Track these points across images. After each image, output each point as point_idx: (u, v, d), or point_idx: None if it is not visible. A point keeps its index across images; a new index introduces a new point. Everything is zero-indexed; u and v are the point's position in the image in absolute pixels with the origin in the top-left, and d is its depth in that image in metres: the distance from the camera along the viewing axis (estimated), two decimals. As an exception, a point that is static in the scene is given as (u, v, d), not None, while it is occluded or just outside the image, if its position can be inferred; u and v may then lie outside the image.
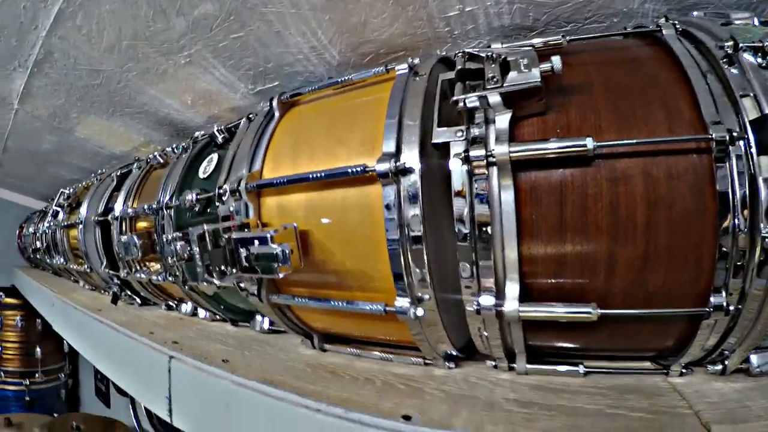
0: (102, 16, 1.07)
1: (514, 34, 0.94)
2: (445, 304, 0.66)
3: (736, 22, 0.75)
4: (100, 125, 1.35)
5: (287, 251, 0.66)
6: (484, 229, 0.58)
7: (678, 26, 0.70)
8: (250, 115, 0.93)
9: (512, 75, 0.59)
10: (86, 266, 1.32)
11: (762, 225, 0.52)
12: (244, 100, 1.18)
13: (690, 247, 0.57)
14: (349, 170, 0.64)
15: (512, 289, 0.60)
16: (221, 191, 0.82)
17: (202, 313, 1.10)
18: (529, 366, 0.70)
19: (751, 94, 0.56)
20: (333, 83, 0.82)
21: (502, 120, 0.59)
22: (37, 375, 2.44)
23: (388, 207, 0.62)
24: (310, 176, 0.68)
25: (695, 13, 0.80)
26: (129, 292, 1.25)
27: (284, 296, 0.78)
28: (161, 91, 1.21)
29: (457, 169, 0.59)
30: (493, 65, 0.61)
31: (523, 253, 0.59)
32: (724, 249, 0.55)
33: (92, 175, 1.45)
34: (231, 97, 1.18)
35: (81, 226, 1.25)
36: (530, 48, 0.63)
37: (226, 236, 0.74)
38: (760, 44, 0.59)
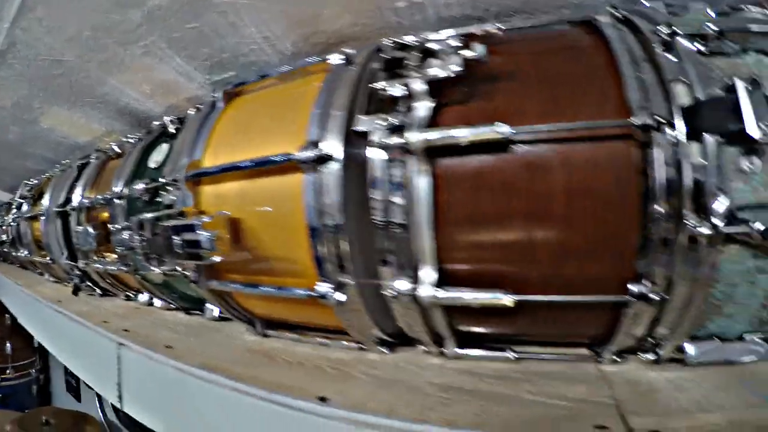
0: (62, 8, 1.10)
1: (463, 25, 0.96)
2: (371, 290, 0.69)
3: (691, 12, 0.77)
4: (63, 115, 1.39)
5: (213, 238, 0.69)
6: (400, 215, 0.61)
7: (619, 15, 0.70)
8: (199, 106, 0.97)
9: (433, 63, 0.62)
10: (49, 258, 1.37)
11: (686, 212, 0.53)
12: (201, 89, 1.21)
13: (612, 235, 0.58)
14: (275, 159, 0.67)
15: (429, 274, 0.62)
16: (165, 181, 0.86)
17: (157, 302, 1.14)
18: (460, 351, 0.72)
19: (685, 80, 0.57)
20: (277, 73, 0.85)
21: (423, 108, 0.61)
22: (8, 371, 2.47)
23: (308, 194, 0.65)
24: (240, 165, 0.71)
25: (647, 3, 0.82)
26: (90, 284, 1.29)
27: (222, 283, 0.82)
28: (121, 81, 1.24)
29: (374, 156, 0.62)
30: (415, 53, 0.64)
31: (440, 240, 0.61)
32: (648, 237, 0.55)
33: (56, 166, 1.49)
34: (188, 87, 1.21)
35: (43, 218, 1.29)
36: (457, 36, 0.65)
37: (163, 225, 0.77)
38: (701, 30, 0.60)
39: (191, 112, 0.98)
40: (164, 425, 0.83)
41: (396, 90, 0.63)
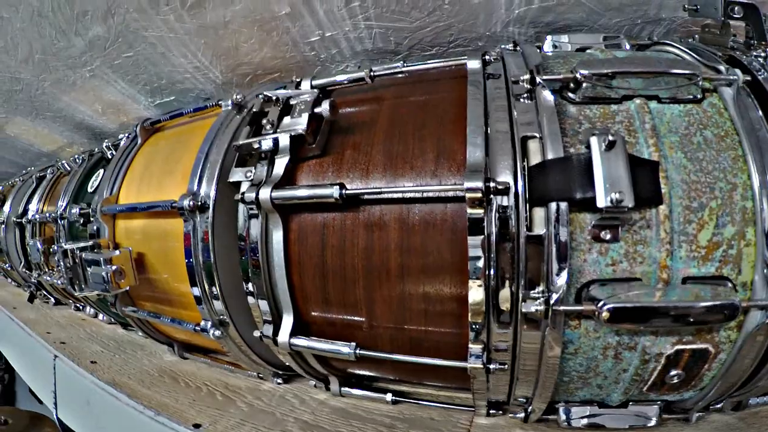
0: (15, 33, 1.29)
1: (379, 58, 1.08)
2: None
3: (591, 49, 0.80)
4: (27, 125, 1.62)
5: (112, 274, 0.86)
6: (257, 267, 0.72)
7: (491, 58, 0.75)
8: (129, 134, 1.14)
9: (286, 120, 0.73)
10: (8, 264, 1.61)
11: (523, 283, 0.56)
12: (148, 110, 1.39)
13: (448, 299, 0.64)
14: (160, 205, 0.83)
15: (287, 321, 0.74)
16: (89, 211, 1.04)
17: (101, 315, 1.35)
18: (345, 389, 0.86)
19: (538, 135, 0.59)
20: (187, 112, 1.01)
21: (280, 164, 0.72)
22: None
23: (186, 237, 0.80)
24: (137, 207, 0.88)
25: (549, 38, 0.85)
26: (45, 292, 1.52)
27: (133, 309, 0.99)
28: (74, 100, 1.44)
29: (241, 209, 0.76)
30: (274, 108, 0.76)
31: (297, 291, 0.73)
32: (488, 306, 0.58)
33: (23, 172, 1.74)
34: (135, 108, 1.39)
35: (3, 226, 1.52)
36: (314, 91, 0.77)
37: (79, 256, 0.95)
38: (571, 76, 0.61)
39: (123, 141, 1.15)
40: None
41: (259, 144, 0.73)
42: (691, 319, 0.55)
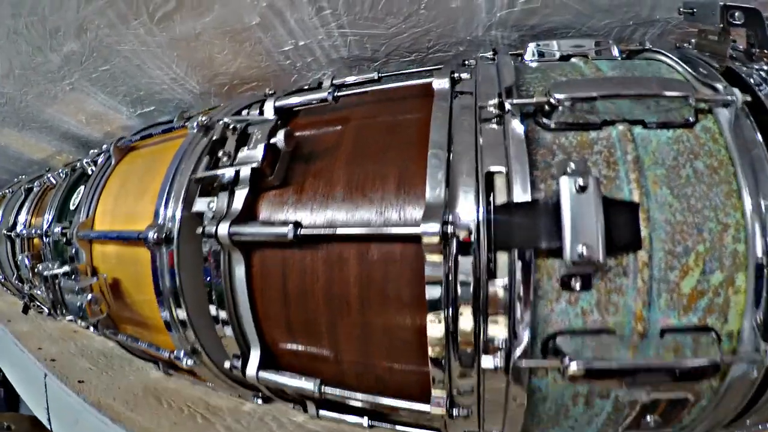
0: (-7, 50, 1.29)
1: (356, 65, 1.04)
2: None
3: (575, 59, 0.75)
4: (15, 136, 1.64)
5: (87, 304, 0.86)
6: (222, 300, 0.71)
7: (459, 75, 0.70)
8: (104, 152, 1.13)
9: (242, 153, 0.70)
10: (2, 276, 1.65)
11: (484, 328, 0.54)
12: (130, 120, 1.38)
13: (410, 338, 0.62)
14: (129, 235, 0.82)
15: (254, 355, 0.74)
16: (69, 234, 1.04)
17: (92, 327, 1.37)
18: (323, 412, 0.83)
19: (504, 171, 0.54)
20: (158, 131, 0.99)
21: (239, 196, 0.70)
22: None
23: (153, 270, 0.79)
24: (109, 236, 0.87)
25: (531, 46, 0.79)
26: (38, 303, 1.55)
27: (114, 332, 1.00)
28: (58, 111, 1.44)
29: (205, 242, 0.75)
30: (231, 138, 0.72)
31: (261, 324, 0.72)
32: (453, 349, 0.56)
33: (15, 180, 1.77)
34: (118, 118, 1.39)
35: (-6, 237, 1.55)
36: (272, 118, 0.74)
37: (57, 283, 0.96)
38: (544, 99, 0.57)
39: (101, 158, 1.14)
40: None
41: (222, 175, 0.71)
42: (666, 378, 0.51)
